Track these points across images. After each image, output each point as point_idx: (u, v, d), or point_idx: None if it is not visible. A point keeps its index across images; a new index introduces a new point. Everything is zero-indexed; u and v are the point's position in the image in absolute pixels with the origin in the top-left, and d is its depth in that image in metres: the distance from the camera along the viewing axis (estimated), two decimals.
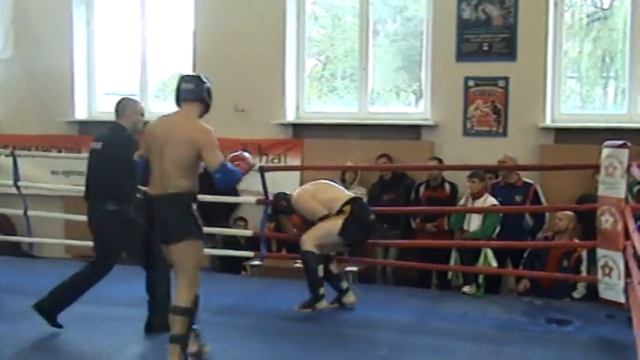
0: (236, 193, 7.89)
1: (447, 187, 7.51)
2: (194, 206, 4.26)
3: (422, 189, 7.56)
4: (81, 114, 9.37)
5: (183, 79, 4.48)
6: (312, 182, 6.29)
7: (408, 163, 7.78)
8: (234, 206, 8.30)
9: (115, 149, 5.06)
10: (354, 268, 7.06)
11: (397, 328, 5.22)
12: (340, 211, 5.77)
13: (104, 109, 9.43)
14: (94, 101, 9.49)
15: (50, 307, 5.12)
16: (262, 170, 6.98)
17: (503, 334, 5.12)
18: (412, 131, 8.11)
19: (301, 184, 8.13)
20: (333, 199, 5.90)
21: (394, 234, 7.49)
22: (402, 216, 7.54)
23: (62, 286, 5.17)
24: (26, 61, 9.35)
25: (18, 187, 7.72)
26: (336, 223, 5.71)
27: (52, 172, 9.24)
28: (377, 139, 8.05)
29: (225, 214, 8.18)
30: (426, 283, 7.35)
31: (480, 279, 6.18)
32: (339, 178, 8.03)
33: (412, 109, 8.51)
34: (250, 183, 7.19)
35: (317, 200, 5.92)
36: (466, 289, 6.27)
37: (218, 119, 8.41)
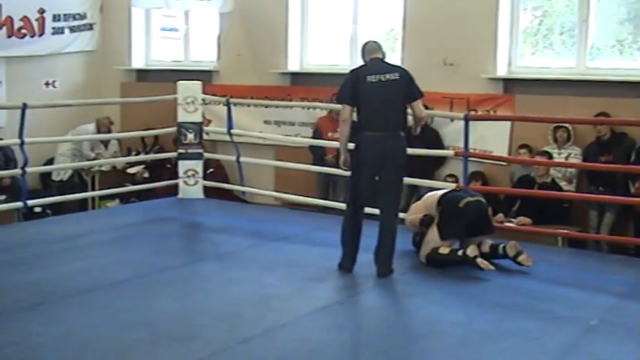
0: (441, 147, 7.78)
1: None
2: None
3: None
4: (293, 66, 9.64)
5: None
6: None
7: None
8: (442, 161, 8.17)
9: (407, 81, 5.27)
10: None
11: (610, 297, 4.89)
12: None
13: (315, 62, 9.66)
14: (306, 54, 9.71)
15: (388, 269, 5.24)
16: (467, 119, 6.53)
17: None
18: (635, 89, 7.51)
19: (511, 141, 7.88)
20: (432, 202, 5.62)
21: None
22: (620, 179, 7.05)
23: (384, 248, 5.24)
24: (244, 15, 9.76)
25: (231, 135, 7.99)
26: (433, 231, 5.45)
27: (265, 122, 9.63)
28: (595, 96, 7.55)
29: (431, 168, 8.09)
30: None
31: None
32: (551, 137, 7.69)
33: (636, 64, 7.87)
34: (458, 138, 7.00)
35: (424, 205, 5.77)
36: None
37: (426, 73, 8.47)
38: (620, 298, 4.90)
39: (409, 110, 5.35)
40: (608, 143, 7.27)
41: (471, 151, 6.62)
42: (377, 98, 5.17)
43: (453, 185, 6.52)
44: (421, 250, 5.54)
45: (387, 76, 5.22)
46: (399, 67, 5.53)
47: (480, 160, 7.49)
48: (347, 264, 5.29)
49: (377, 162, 5.17)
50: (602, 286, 5.17)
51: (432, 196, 5.72)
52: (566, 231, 6.68)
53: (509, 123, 7.96)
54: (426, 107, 5.79)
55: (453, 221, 5.40)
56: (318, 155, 8.52)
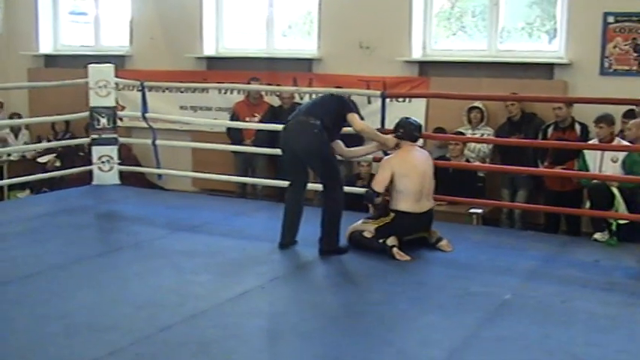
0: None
1: (578, 128, 7.15)
2: None
3: (550, 130, 7.25)
4: (209, 50, 9.52)
5: None
6: (415, 165, 5.53)
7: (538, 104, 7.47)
8: (361, 141, 8.21)
9: None
10: (479, 210, 6.89)
11: (522, 273, 5.05)
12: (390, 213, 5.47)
13: (232, 46, 9.57)
14: (221, 38, 9.61)
15: (330, 246, 5.33)
16: (384, 97, 6.58)
17: (636, 284, 4.85)
18: (544, 70, 7.77)
19: (426, 120, 8.01)
20: (401, 196, 5.43)
21: (522, 177, 7.26)
22: (530, 158, 7.26)
23: (324, 225, 5.33)
24: None
25: (146, 119, 7.75)
26: (370, 228, 5.46)
27: (181, 108, 9.50)
28: (506, 77, 7.76)
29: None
30: (554, 229, 7.10)
31: (614, 226, 5.86)
32: (465, 118, 7.86)
33: (545, 46, 8.13)
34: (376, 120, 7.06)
35: (394, 181, 5.43)
36: (598, 235, 5.97)
37: (343, 56, 8.54)
38: (532, 273, 5.06)
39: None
40: (519, 123, 7.49)
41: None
42: None
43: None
44: (348, 228, 5.58)
45: None
46: None
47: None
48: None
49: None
50: (516, 262, 5.33)
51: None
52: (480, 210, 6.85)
53: (424, 105, 8.09)
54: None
55: (394, 231, 5.39)
56: (236, 140, 8.46)
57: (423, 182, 5.47)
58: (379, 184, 5.45)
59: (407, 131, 5.60)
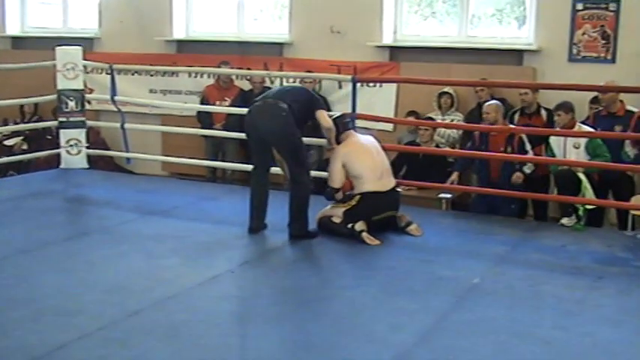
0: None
1: (544, 114, 7.20)
2: None
3: (517, 116, 7.29)
4: (179, 33, 9.43)
5: None
6: (362, 144, 5.62)
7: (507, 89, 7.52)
8: None
9: None
10: (448, 195, 6.93)
11: (491, 258, 5.10)
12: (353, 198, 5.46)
13: (202, 29, 9.50)
14: (191, 21, 9.52)
15: (299, 231, 5.34)
16: (354, 81, 6.59)
17: (602, 269, 4.93)
18: (514, 56, 7.82)
19: (396, 105, 8.03)
20: (360, 179, 5.46)
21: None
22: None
23: (292, 210, 5.33)
24: None
25: (115, 102, 7.66)
26: (339, 209, 5.47)
27: (150, 91, 9.42)
28: (476, 63, 7.80)
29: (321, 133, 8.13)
30: (522, 214, 7.16)
31: (581, 211, 5.93)
32: (435, 104, 7.89)
33: (514, 32, 8.19)
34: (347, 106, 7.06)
35: (347, 168, 5.48)
36: (565, 220, 6.03)
37: (313, 41, 8.51)
38: (500, 258, 5.11)
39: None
40: None
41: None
42: None
43: None
44: (318, 213, 5.58)
45: None
46: None
47: (366, 127, 7.59)
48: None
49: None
50: (484, 247, 5.38)
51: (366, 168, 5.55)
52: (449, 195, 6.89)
53: (395, 91, 8.11)
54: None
55: (362, 217, 5.39)
56: (206, 124, 8.41)
57: (375, 160, 5.52)
58: (334, 178, 5.51)
59: (340, 125, 5.62)
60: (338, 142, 5.60)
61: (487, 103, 6.80)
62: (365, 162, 5.47)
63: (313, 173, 5.83)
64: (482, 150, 6.59)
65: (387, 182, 5.56)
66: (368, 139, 5.71)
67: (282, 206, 5.38)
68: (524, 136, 6.55)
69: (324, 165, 7.52)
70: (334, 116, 5.72)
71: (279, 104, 5.28)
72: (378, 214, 5.48)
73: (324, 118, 5.50)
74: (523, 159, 6.52)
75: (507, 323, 3.93)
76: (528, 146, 6.54)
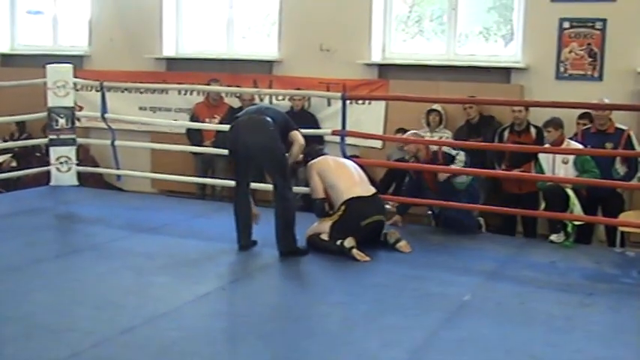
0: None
1: (533, 131, 7.25)
2: None
3: (506, 133, 7.34)
4: (169, 51, 9.46)
5: None
6: (334, 159, 5.92)
7: (496, 107, 7.59)
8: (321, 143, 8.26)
9: None
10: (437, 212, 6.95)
11: (481, 274, 5.13)
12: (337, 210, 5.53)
13: (191, 47, 9.54)
14: (181, 39, 9.56)
15: (288, 247, 5.34)
16: (344, 98, 6.65)
17: (592, 285, 4.96)
18: (501, 74, 7.90)
19: (385, 123, 8.08)
20: (337, 188, 5.58)
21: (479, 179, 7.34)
22: (487, 161, 7.36)
23: (279, 227, 5.34)
24: None
25: (105, 120, 7.68)
26: (325, 225, 5.51)
27: (140, 109, 9.43)
28: (464, 80, 7.87)
29: None
30: (511, 231, 7.20)
31: (570, 228, 5.97)
32: (424, 121, 7.94)
33: (502, 50, 8.27)
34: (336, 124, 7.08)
35: (323, 180, 5.65)
36: (554, 237, 6.07)
37: (303, 58, 8.56)
38: (490, 274, 5.13)
39: None
40: (477, 126, 7.60)
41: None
42: None
43: None
44: (306, 230, 5.60)
45: None
46: None
47: (355, 144, 7.66)
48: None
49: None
50: (474, 263, 5.40)
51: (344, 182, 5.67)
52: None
53: (383, 108, 8.17)
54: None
55: (350, 232, 5.40)
56: (195, 141, 8.43)
57: (349, 170, 5.74)
58: (317, 189, 5.67)
59: (312, 153, 5.83)
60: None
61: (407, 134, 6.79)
62: (337, 171, 5.68)
63: (296, 189, 5.91)
64: (419, 178, 6.53)
65: (368, 188, 5.67)
66: (343, 159, 5.93)
67: (272, 222, 5.39)
68: (444, 148, 6.48)
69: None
70: (305, 150, 5.78)
71: (266, 119, 5.31)
72: (366, 219, 5.51)
73: (299, 138, 5.57)
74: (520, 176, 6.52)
75: (498, 340, 3.94)
76: (454, 152, 6.41)
